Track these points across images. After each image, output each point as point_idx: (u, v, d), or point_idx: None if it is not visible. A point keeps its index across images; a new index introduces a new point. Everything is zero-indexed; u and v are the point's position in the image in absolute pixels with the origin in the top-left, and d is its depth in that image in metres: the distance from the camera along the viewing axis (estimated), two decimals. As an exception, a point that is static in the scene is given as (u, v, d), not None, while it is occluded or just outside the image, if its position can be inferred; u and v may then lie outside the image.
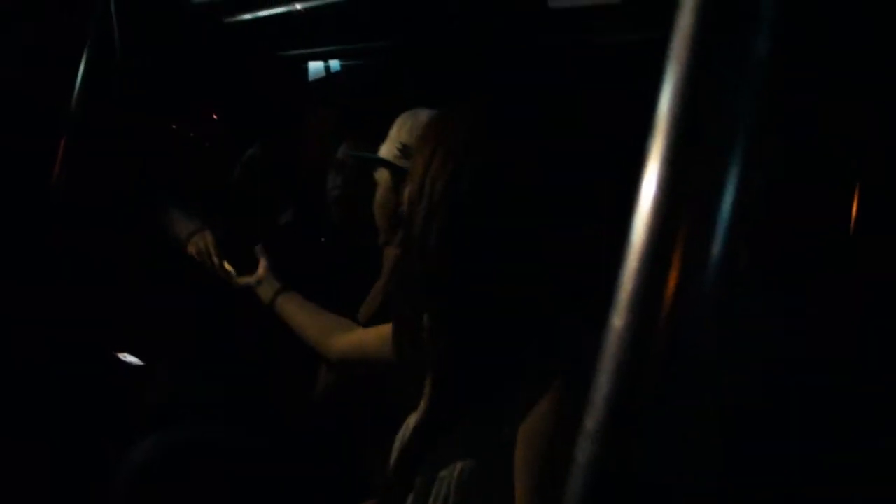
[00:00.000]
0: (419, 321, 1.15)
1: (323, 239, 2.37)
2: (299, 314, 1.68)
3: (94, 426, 1.95)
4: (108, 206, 2.81)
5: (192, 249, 2.04)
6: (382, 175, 1.76)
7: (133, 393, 1.98)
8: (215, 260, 1.92)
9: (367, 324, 1.67)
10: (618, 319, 0.51)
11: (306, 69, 3.31)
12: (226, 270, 1.93)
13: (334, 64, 3.23)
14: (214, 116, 3.36)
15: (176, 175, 3.10)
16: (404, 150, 1.70)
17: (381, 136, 1.92)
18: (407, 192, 1.09)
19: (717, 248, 0.51)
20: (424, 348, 1.16)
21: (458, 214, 1.03)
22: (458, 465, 1.05)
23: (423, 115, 1.75)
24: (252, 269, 1.85)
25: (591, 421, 0.52)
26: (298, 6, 2.84)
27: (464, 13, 2.43)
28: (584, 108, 2.19)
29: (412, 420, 1.21)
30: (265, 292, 1.75)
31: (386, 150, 1.75)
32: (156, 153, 3.15)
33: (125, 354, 2.18)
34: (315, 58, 3.28)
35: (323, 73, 3.27)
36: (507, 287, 1.05)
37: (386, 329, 1.40)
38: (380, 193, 1.76)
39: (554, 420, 0.99)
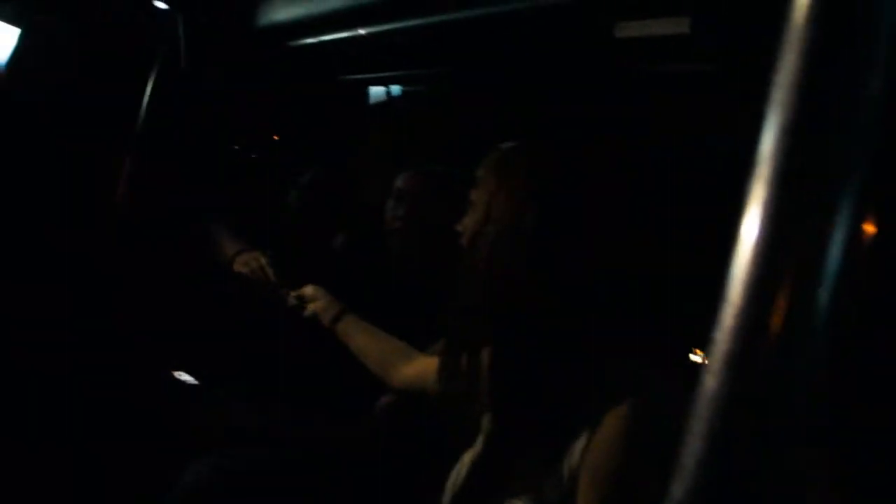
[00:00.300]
0: (473, 352, 1.12)
1: (376, 267, 2.33)
2: (360, 338, 1.65)
3: (147, 445, 1.95)
4: (168, 223, 2.85)
5: (240, 268, 2.04)
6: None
7: (186, 413, 1.98)
8: (268, 279, 1.91)
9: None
10: (711, 379, 0.47)
11: (367, 93, 3.33)
12: (279, 290, 1.91)
13: (395, 89, 3.25)
14: (276, 138, 3.40)
15: (234, 194, 3.14)
16: None
17: (440, 162, 1.89)
18: (470, 220, 1.07)
19: (822, 305, 0.47)
20: (473, 379, 1.13)
21: (523, 244, 1.01)
22: None
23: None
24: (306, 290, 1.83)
25: (680, 488, 0.48)
26: (362, 31, 2.86)
27: (528, 42, 2.42)
28: (648, 138, 2.14)
29: (468, 457, 1.18)
30: (325, 314, 1.72)
31: None
32: (217, 172, 3.19)
33: (180, 373, 2.19)
34: (376, 83, 3.30)
35: (383, 98, 3.28)
36: (570, 317, 1.02)
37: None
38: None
39: (621, 457, 0.95)
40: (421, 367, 1.52)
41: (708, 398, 0.47)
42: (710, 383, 0.48)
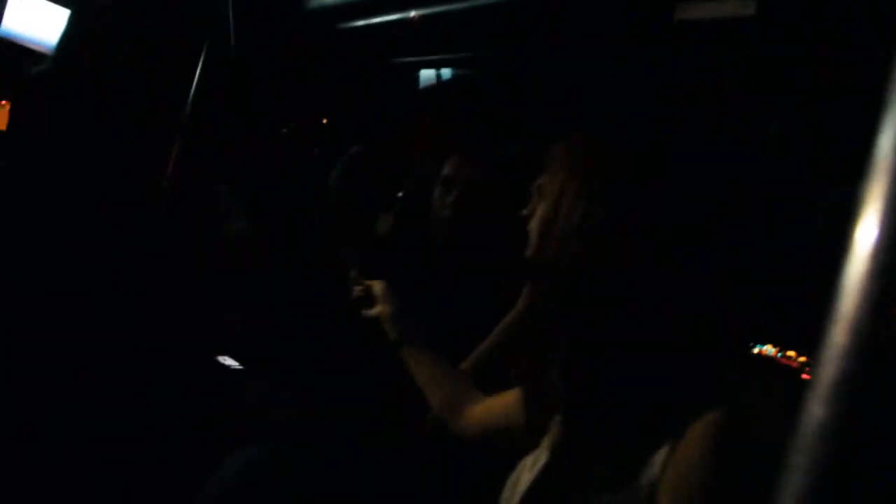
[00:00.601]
0: (548, 362, 1.05)
1: (420, 255, 2.26)
2: (421, 374, 1.54)
3: (189, 435, 1.94)
4: (214, 212, 2.85)
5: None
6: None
7: (228, 403, 1.95)
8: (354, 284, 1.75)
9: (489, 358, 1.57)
10: (818, 406, 0.41)
11: (417, 77, 3.28)
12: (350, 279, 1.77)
13: (445, 72, 3.18)
14: (324, 121, 3.37)
15: (284, 179, 3.12)
16: None
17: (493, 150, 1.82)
18: (539, 211, 1.01)
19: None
20: (554, 403, 1.07)
21: (595, 238, 0.95)
22: None
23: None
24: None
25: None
26: (412, 13, 2.80)
27: (585, 24, 2.33)
28: (716, 126, 2.04)
29: (530, 461, 1.12)
30: (388, 331, 1.64)
31: None
32: (265, 156, 3.18)
33: (225, 357, 2.18)
34: (427, 66, 3.24)
35: (433, 81, 3.22)
36: (646, 316, 0.95)
37: (511, 397, 1.31)
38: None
39: (707, 471, 0.88)
40: (482, 414, 1.43)
41: (814, 427, 0.41)
42: (816, 410, 0.41)
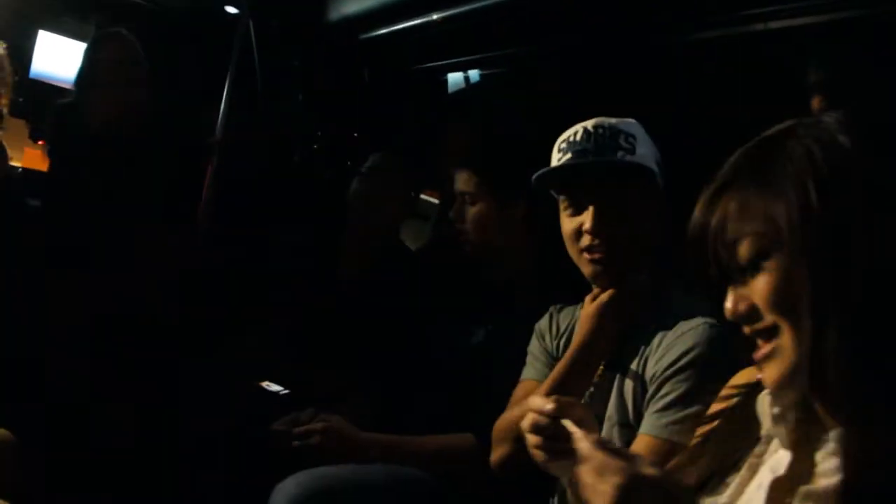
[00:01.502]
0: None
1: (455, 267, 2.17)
2: None
3: (239, 460, 1.89)
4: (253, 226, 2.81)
5: None
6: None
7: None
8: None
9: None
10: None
11: (445, 81, 3.21)
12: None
13: (473, 74, 3.11)
14: (355, 135, 3.32)
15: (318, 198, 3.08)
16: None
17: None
18: (787, 216, 0.89)
19: None
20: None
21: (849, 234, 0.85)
22: None
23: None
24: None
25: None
26: (435, 16, 2.74)
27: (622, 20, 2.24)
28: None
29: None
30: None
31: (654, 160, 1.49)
32: (297, 174, 3.14)
33: (269, 384, 2.13)
34: (454, 69, 3.17)
35: (462, 84, 3.15)
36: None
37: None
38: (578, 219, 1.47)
39: None
40: None
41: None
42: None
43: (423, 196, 3.10)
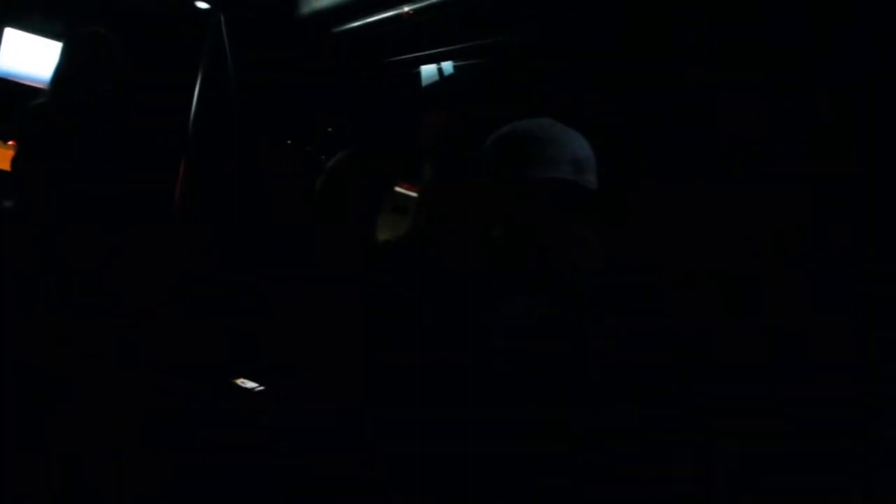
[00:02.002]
0: None
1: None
2: None
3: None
4: (228, 223, 2.78)
5: None
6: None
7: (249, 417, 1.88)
8: None
9: None
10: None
11: (419, 73, 3.18)
12: None
13: (447, 66, 3.08)
14: (329, 129, 3.29)
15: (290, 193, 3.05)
16: (579, 167, 1.45)
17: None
18: None
19: None
20: None
21: None
22: None
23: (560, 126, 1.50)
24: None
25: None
26: (406, 8, 2.72)
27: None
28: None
29: None
30: None
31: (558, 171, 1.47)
32: (272, 168, 3.11)
33: (243, 380, 2.11)
34: (427, 60, 3.14)
35: (435, 77, 3.12)
36: None
37: None
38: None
39: None
40: None
41: None
42: None
43: (400, 189, 3.09)
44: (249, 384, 2.10)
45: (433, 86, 3.12)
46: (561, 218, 1.46)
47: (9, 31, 3.56)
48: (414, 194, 3.00)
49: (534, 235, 1.62)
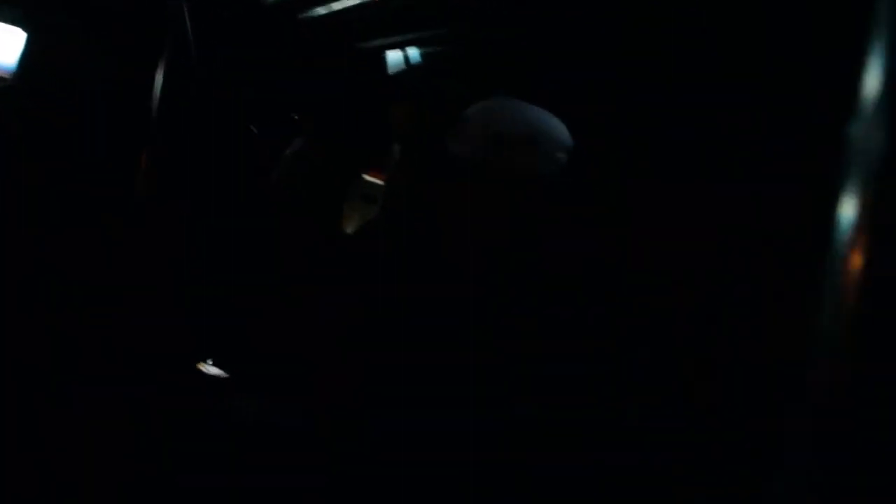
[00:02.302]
0: None
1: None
2: None
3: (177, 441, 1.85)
4: (189, 210, 2.75)
5: None
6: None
7: (215, 408, 1.85)
8: None
9: None
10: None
11: (385, 60, 3.16)
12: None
13: (413, 54, 3.07)
14: (295, 117, 3.26)
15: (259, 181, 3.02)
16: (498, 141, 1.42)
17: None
18: None
19: None
20: None
21: None
22: None
23: (515, 104, 1.49)
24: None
25: None
26: (372, -7, 2.70)
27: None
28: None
29: None
30: None
31: (473, 147, 1.44)
32: (237, 157, 3.08)
33: (207, 366, 2.08)
34: (394, 46, 3.12)
35: (401, 65, 3.11)
36: None
37: None
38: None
39: None
40: None
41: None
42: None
43: (367, 177, 3.08)
44: (213, 370, 2.08)
45: (401, 73, 3.11)
46: (454, 194, 1.43)
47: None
48: (380, 182, 2.99)
49: (430, 215, 1.61)
